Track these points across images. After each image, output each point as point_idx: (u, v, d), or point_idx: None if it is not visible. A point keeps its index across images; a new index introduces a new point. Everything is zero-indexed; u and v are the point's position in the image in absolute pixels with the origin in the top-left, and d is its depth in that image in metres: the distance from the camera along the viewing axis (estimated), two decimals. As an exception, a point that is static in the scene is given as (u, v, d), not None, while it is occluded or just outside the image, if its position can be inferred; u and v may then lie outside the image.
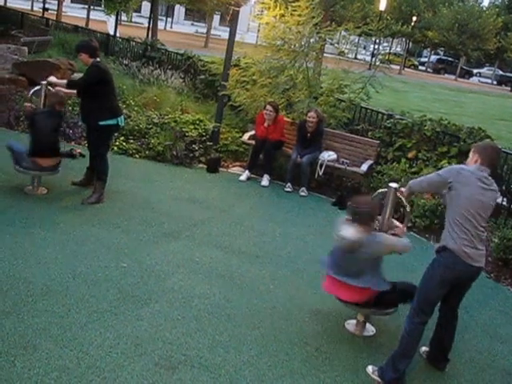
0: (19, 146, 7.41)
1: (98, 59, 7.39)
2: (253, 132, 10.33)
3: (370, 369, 4.75)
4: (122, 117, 7.65)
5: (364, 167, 9.61)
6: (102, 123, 7.29)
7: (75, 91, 7.39)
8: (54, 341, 4.44)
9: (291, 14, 10.59)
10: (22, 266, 5.48)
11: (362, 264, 4.93)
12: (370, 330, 5.43)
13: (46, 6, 34.51)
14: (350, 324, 5.46)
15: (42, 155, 7.27)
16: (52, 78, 7.45)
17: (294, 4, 10.65)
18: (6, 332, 4.44)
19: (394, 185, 5.24)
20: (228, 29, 11.15)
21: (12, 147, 7.38)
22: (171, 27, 58.89)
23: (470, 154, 4.68)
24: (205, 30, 49.01)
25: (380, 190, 5.62)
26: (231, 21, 10.93)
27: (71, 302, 5.02)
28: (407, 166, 9.70)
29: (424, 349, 5.09)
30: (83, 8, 34.02)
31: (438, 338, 4.99)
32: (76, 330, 4.62)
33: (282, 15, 10.57)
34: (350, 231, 4.91)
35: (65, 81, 7.56)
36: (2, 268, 5.39)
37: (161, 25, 40.88)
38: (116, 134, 9.73)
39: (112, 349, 4.46)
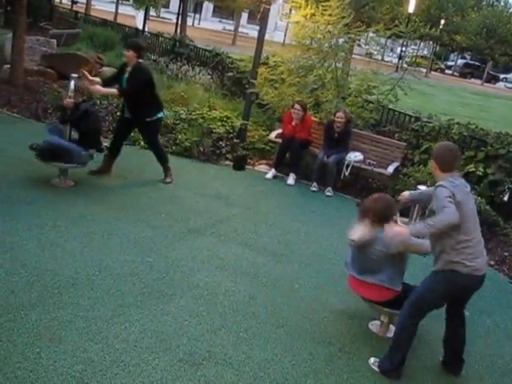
0: (65, 142, 7.36)
1: (141, 60, 7.78)
2: (280, 130, 10.31)
3: (371, 360, 4.81)
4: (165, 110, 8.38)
5: (390, 169, 9.54)
6: (155, 117, 7.91)
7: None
8: (80, 334, 4.45)
9: (322, 14, 10.53)
10: (48, 258, 5.51)
11: (377, 261, 4.93)
12: (394, 331, 5.39)
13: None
14: (374, 325, 5.44)
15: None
16: (99, 88, 7.60)
17: (324, 3, 10.60)
18: (31, 324, 4.47)
19: (422, 187, 5.19)
20: (256, 27, 11.15)
21: (62, 145, 7.25)
22: (199, 24, 59.03)
23: (432, 161, 4.67)
24: (232, 28, 49.09)
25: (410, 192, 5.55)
26: (261, 18, 10.90)
27: (97, 296, 5.04)
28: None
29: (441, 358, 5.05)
30: (112, 2, 34.23)
31: (450, 341, 4.95)
32: (101, 324, 4.64)
33: (313, 14, 10.52)
34: (357, 231, 4.98)
35: (114, 90, 7.81)
36: (29, 260, 5.42)
37: (189, 21, 40.95)
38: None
39: (137, 343, 4.47)
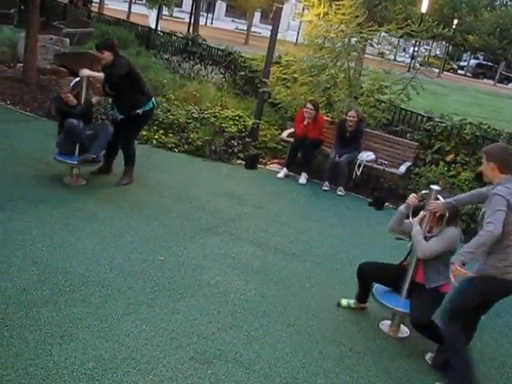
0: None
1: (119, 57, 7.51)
2: (292, 130, 10.29)
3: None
4: (153, 99, 7.93)
5: (402, 169, 9.51)
6: (140, 111, 7.59)
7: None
8: (91, 331, 4.47)
9: (335, 13, 10.50)
10: (60, 256, 5.53)
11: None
12: (404, 331, 5.39)
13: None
14: (385, 325, 5.42)
15: None
16: (86, 71, 7.41)
17: (338, 2, 10.57)
18: (43, 321, 4.48)
19: (435, 187, 5.15)
20: (269, 26, 11.15)
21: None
22: (212, 23, 59.07)
23: (485, 162, 4.56)
24: (245, 27, 49.06)
25: (422, 192, 5.51)
26: (274, 18, 10.90)
27: (108, 294, 5.05)
28: (445, 169, 9.56)
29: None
30: (125, 1, 34.37)
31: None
32: (112, 322, 4.65)
33: (326, 13, 10.49)
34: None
35: (101, 75, 7.48)
36: (41, 257, 5.45)
37: (201, 20, 41.01)
38: (155, 128, 9.82)
39: (148, 341, 4.48)
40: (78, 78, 7.30)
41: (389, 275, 5.34)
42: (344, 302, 5.64)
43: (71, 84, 7.31)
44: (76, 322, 4.54)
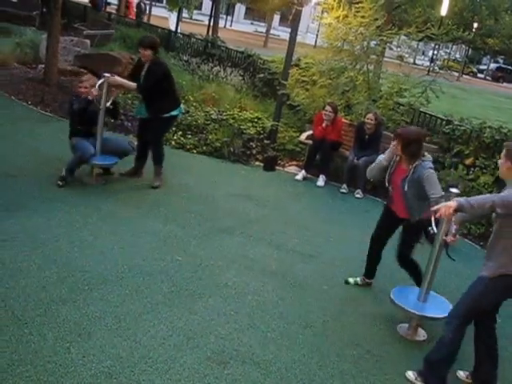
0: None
1: (157, 56, 7.66)
2: (310, 132, 10.28)
3: (410, 374, 4.67)
4: (182, 106, 8.16)
5: (421, 172, 9.46)
6: (167, 115, 7.72)
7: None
8: (109, 330, 4.50)
9: (354, 15, 10.49)
10: (78, 255, 5.57)
11: None
12: (422, 334, 5.35)
13: (108, 0, 35.13)
14: (402, 328, 5.39)
15: None
16: (117, 78, 7.54)
17: (357, 5, 10.56)
18: (62, 319, 4.52)
19: (454, 190, 5.12)
20: (287, 29, 11.18)
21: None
22: (231, 26, 59.23)
23: (503, 159, 4.40)
24: (264, 30, 49.15)
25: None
26: (293, 20, 10.90)
27: (126, 293, 5.08)
28: (464, 172, 9.50)
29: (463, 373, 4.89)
30: (134, 2, 34.56)
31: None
32: (130, 321, 4.67)
33: (345, 16, 10.48)
34: None
35: (133, 85, 7.56)
36: (60, 256, 5.49)
37: (221, 23, 41.11)
38: (174, 129, 9.86)
39: (165, 340, 4.49)
40: (103, 79, 7.35)
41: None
42: (351, 279, 6.08)
43: (97, 83, 7.35)
44: (94, 321, 4.58)
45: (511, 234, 4.30)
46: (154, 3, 38.41)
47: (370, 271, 6.09)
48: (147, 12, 27.77)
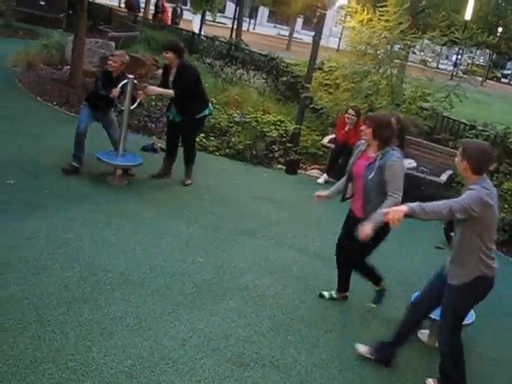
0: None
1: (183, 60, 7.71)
2: (333, 136, 10.26)
3: (431, 382, 4.63)
4: (210, 105, 8.20)
5: (443, 177, 9.40)
6: (200, 115, 7.84)
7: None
8: (130, 330, 4.52)
9: (378, 19, 10.45)
10: (101, 255, 5.61)
11: None
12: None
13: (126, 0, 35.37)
14: (424, 334, 5.36)
15: None
16: (154, 87, 7.67)
17: (381, 9, 10.51)
18: (84, 318, 4.55)
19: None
20: (310, 32, 11.17)
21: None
22: (254, 28, 59.27)
23: (464, 162, 4.21)
24: (287, 33, 49.09)
25: None
26: (317, 23, 10.89)
27: (147, 293, 5.10)
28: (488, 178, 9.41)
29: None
30: (169, 7, 34.69)
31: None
32: (151, 321, 4.69)
33: (370, 19, 10.44)
34: None
35: (171, 93, 7.61)
36: (83, 255, 5.53)
37: (244, 26, 41.16)
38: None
39: (185, 342, 4.50)
40: (126, 80, 7.41)
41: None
42: (326, 293, 5.72)
43: (120, 84, 7.42)
44: (115, 320, 4.60)
45: (475, 237, 4.20)
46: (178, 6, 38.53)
47: (340, 283, 5.70)
48: (182, 17, 27.89)
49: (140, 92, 7.65)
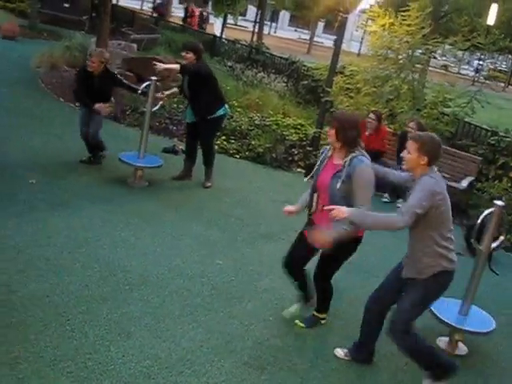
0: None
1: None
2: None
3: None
4: (227, 106, 8.15)
5: (464, 183, 9.34)
6: (214, 116, 7.77)
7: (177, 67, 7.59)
8: (148, 330, 4.54)
9: (400, 24, 10.43)
10: (120, 255, 5.65)
11: None
12: (463, 349, 5.24)
13: (155, 6, 35.62)
14: (442, 341, 5.29)
15: None
16: (162, 65, 7.56)
17: (404, 13, 10.49)
18: (103, 317, 4.59)
19: (499, 203, 5.04)
20: (331, 36, 11.22)
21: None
22: (275, 32, 59.30)
23: (415, 151, 4.11)
24: (307, 37, 49.09)
25: (487, 211, 5.33)
26: (339, 28, 10.89)
27: (166, 294, 5.12)
28: (509, 184, 9.34)
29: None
30: (198, 11, 34.88)
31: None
32: (169, 322, 4.71)
33: (392, 24, 10.43)
34: None
35: (176, 66, 7.64)
36: (103, 255, 5.57)
37: (265, 29, 41.25)
38: (218, 134, 9.93)
39: (203, 343, 4.52)
40: (148, 83, 7.47)
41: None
42: (290, 310, 5.18)
43: (143, 86, 7.50)
44: (134, 321, 4.63)
45: (429, 230, 4.13)
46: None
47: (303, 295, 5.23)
48: (208, 21, 28.08)
49: (161, 95, 7.69)
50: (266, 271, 5.95)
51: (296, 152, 10.23)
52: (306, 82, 14.31)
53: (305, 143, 10.50)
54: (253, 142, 10.11)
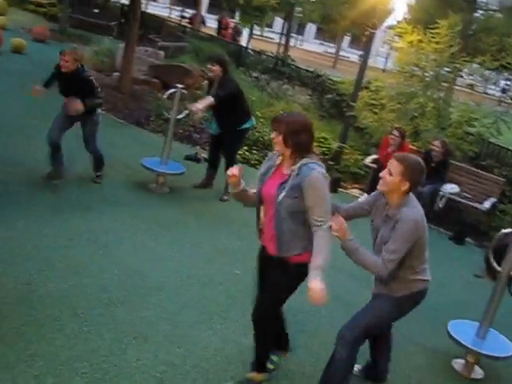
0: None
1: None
2: (375, 156, 10.21)
3: None
4: (253, 119, 8.17)
5: (486, 204, 9.28)
6: (240, 128, 7.79)
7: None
8: (164, 336, 4.56)
9: (429, 41, 10.41)
10: (139, 260, 5.69)
11: None
12: (479, 372, 5.19)
13: (184, 14, 35.89)
14: (458, 363, 5.25)
15: None
16: (198, 106, 7.41)
17: (432, 31, 10.48)
18: (120, 320, 4.62)
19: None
20: (357, 51, 11.21)
21: None
22: (301, 45, 59.45)
23: (398, 174, 3.84)
24: (333, 50, 49.14)
25: (505, 231, 5.33)
26: (366, 43, 10.90)
27: (183, 301, 5.15)
28: (532, 208, 9.28)
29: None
30: (216, 20, 35.20)
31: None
32: (185, 329, 4.73)
33: (420, 41, 10.41)
34: None
35: (210, 99, 7.44)
36: (122, 259, 5.61)
37: (291, 41, 41.39)
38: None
39: (217, 352, 4.53)
40: (174, 90, 7.52)
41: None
42: (270, 366, 4.35)
43: (168, 92, 7.55)
44: (150, 325, 4.65)
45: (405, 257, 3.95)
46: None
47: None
48: (242, 34, 28.27)
49: (196, 109, 7.66)
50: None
51: (318, 165, 10.22)
52: (330, 96, 14.32)
53: (327, 157, 10.50)
54: (275, 153, 10.11)
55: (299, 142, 3.74)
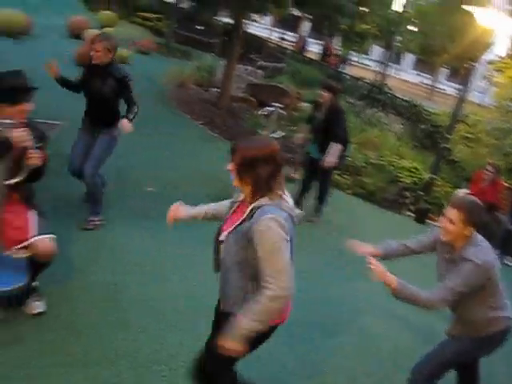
0: None
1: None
2: (467, 190, 9.98)
3: None
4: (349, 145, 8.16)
5: None
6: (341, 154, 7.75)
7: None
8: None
9: (533, 77, 10.16)
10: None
11: None
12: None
13: (284, 36, 36.37)
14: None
15: None
16: (332, 159, 7.52)
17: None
18: (201, 329, 4.62)
19: None
20: (454, 84, 11.05)
21: None
22: (397, 74, 58.84)
23: (460, 222, 3.64)
24: (429, 82, 48.39)
25: None
26: (465, 75, 10.73)
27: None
28: None
29: None
30: (317, 43, 35.37)
31: None
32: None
33: (524, 76, 10.18)
34: None
35: (338, 148, 7.56)
36: (206, 270, 5.64)
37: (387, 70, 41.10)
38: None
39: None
40: (272, 109, 7.61)
41: None
42: None
43: (264, 109, 7.65)
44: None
45: (479, 299, 3.81)
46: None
47: None
48: (348, 62, 28.51)
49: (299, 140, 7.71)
50: (364, 307, 5.88)
51: (408, 195, 10.10)
52: (424, 127, 14.13)
53: (417, 187, 10.36)
54: (365, 180, 10.07)
55: (257, 176, 2.93)
